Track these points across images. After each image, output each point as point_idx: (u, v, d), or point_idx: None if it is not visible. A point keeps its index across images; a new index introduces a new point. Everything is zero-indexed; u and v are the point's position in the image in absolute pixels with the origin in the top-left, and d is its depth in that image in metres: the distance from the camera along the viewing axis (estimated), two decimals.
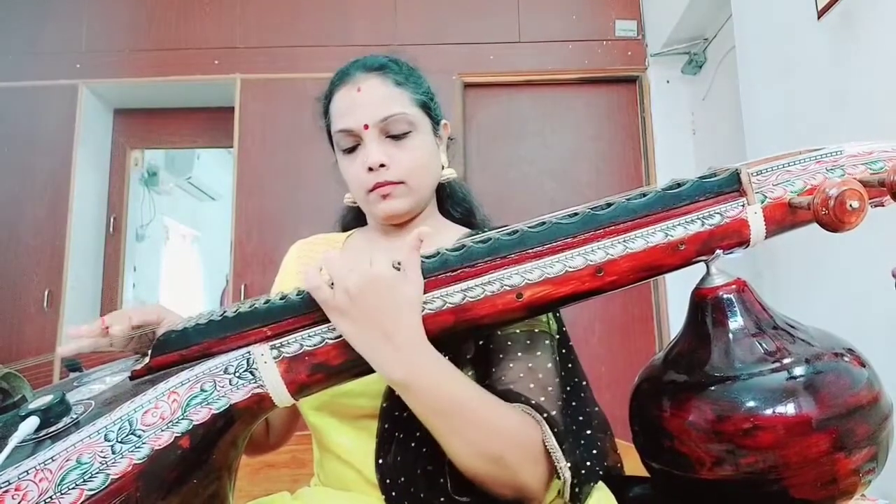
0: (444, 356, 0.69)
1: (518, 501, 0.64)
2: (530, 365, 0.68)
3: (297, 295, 0.61)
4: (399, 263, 0.59)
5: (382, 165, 0.80)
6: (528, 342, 0.70)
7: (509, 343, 0.70)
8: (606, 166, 3.00)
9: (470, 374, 0.70)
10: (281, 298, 0.61)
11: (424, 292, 0.59)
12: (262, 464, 0.92)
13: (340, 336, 0.59)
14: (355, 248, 0.92)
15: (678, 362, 0.60)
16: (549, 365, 0.70)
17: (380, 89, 0.82)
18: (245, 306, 0.62)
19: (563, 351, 0.74)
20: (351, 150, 0.83)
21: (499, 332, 0.70)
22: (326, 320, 0.59)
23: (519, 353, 0.69)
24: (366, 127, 0.80)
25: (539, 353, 0.70)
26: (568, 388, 0.73)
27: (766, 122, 1.93)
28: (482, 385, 0.67)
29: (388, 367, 0.58)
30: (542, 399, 0.66)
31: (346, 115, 0.82)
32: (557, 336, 0.74)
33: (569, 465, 0.63)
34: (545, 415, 0.64)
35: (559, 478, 0.63)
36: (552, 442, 0.62)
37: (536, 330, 0.71)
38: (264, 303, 0.61)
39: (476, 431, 0.60)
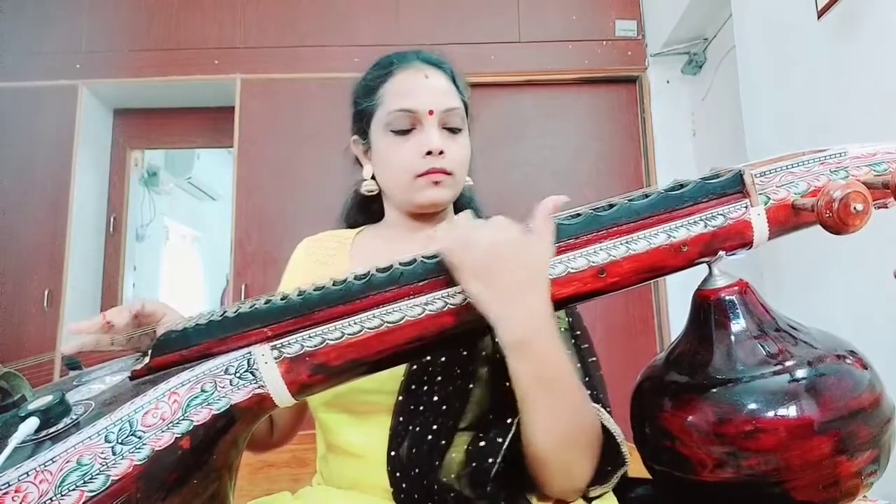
0: (461, 352, 0.69)
1: (535, 496, 0.65)
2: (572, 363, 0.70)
3: (298, 295, 0.61)
4: (531, 227, 0.59)
5: (442, 153, 0.82)
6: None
7: None
8: (606, 166, 3.00)
9: (486, 371, 0.71)
10: (282, 299, 0.61)
11: (427, 293, 0.59)
12: (262, 463, 0.92)
13: (342, 337, 0.58)
14: (367, 245, 0.92)
15: (680, 363, 0.60)
16: (578, 364, 0.72)
17: (444, 82, 0.86)
18: (245, 306, 0.62)
19: (585, 346, 0.76)
20: (404, 132, 0.84)
21: None
22: (327, 321, 0.59)
23: None
24: (430, 112, 0.82)
25: (569, 351, 0.71)
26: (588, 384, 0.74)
27: (766, 122, 1.93)
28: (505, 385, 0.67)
29: (514, 327, 0.57)
30: (590, 392, 0.68)
31: (411, 97, 0.83)
32: (577, 332, 0.75)
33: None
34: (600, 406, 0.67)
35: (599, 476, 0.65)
36: (615, 426, 0.65)
37: (562, 328, 0.72)
38: (265, 303, 0.61)
39: (566, 408, 0.61)
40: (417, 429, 0.70)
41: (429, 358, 0.72)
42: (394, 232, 0.91)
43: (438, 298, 0.58)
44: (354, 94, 0.91)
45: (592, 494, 0.67)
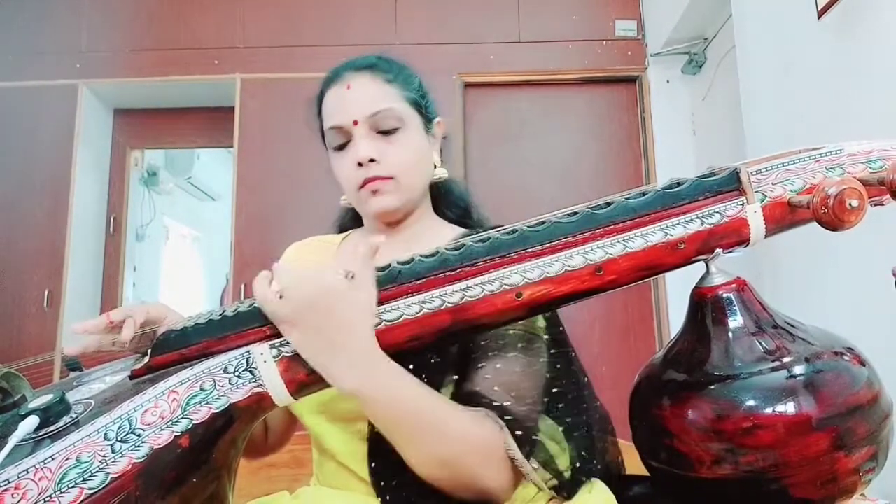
0: (431, 360, 0.69)
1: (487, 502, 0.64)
2: (498, 366, 0.68)
3: None
4: (351, 274, 0.59)
5: (372, 160, 0.80)
6: (502, 342, 0.69)
7: (483, 343, 0.70)
8: (606, 166, 3.00)
9: (454, 377, 0.70)
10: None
11: (424, 291, 0.59)
12: (261, 463, 0.92)
13: None
14: (349, 251, 0.92)
15: (678, 361, 0.60)
16: (522, 365, 0.69)
17: (369, 86, 0.82)
18: (245, 306, 0.62)
19: (555, 350, 0.73)
20: (342, 147, 0.83)
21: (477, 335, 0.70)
22: None
23: (489, 354, 0.69)
24: (355, 123, 0.80)
25: (512, 353, 0.69)
26: (560, 387, 0.72)
27: (766, 122, 1.93)
28: (457, 389, 0.68)
29: (340, 379, 0.58)
30: (507, 402, 0.66)
31: (336, 113, 0.82)
32: (547, 335, 0.73)
33: (536, 464, 0.64)
34: (507, 417, 0.64)
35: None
36: (512, 445, 0.63)
37: (511, 331, 0.70)
38: None
39: (431, 438, 0.61)
40: None
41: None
42: (374, 234, 0.90)
43: (436, 297, 0.59)
44: (314, 115, 0.90)
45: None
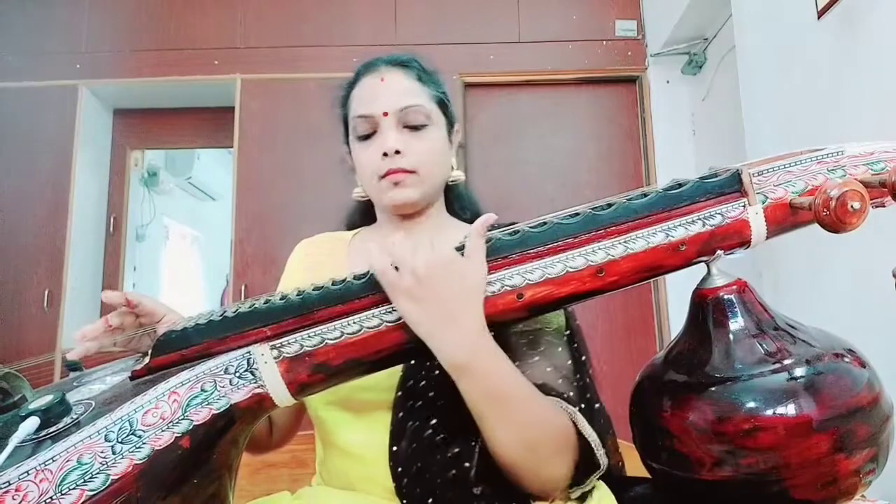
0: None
1: (530, 494, 0.65)
2: (553, 360, 0.71)
3: (298, 295, 0.61)
4: (462, 247, 0.60)
5: (398, 152, 0.82)
6: (548, 337, 0.72)
7: (530, 338, 0.72)
8: (606, 166, 3.00)
9: None
10: (281, 298, 0.61)
11: None
12: (262, 463, 0.92)
13: (341, 337, 0.59)
14: (363, 247, 0.93)
15: (679, 362, 0.60)
16: (569, 362, 0.72)
17: (402, 81, 0.85)
18: (245, 306, 0.62)
19: (576, 345, 0.75)
20: (367, 137, 0.84)
21: (514, 334, 0.71)
22: (326, 321, 0.59)
23: (539, 349, 0.71)
24: (385, 114, 0.82)
25: (559, 349, 0.72)
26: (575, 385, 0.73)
27: (766, 122, 1.93)
28: None
29: (451, 350, 0.58)
30: (571, 393, 0.68)
31: (367, 102, 0.84)
32: (568, 332, 0.75)
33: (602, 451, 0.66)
34: (577, 407, 0.67)
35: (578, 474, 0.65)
36: (587, 427, 0.65)
37: (549, 329, 0.73)
38: (264, 303, 0.61)
39: (521, 419, 0.62)
40: (416, 423, 0.70)
41: (419, 362, 0.73)
42: (385, 233, 0.91)
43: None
44: (339, 104, 0.92)
45: (573, 496, 0.68)
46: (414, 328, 0.58)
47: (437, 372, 0.70)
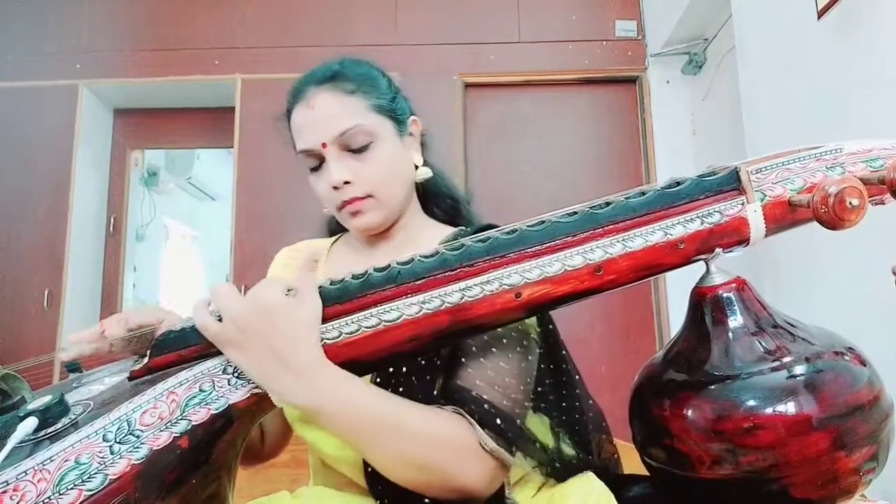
0: (421, 361, 0.69)
1: (467, 501, 0.63)
2: (482, 360, 0.67)
3: None
4: (293, 290, 0.58)
5: (347, 182, 0.79)
6: (487, 339, 0.68)
7: (469, 341, 0.68)
8: (606, 166, 3.00)
9: (440, 380, 0.69)
10: None
11: (423, 292, 0.59)
12: (259, 465, 0.92)
13: (339, 336, 0.58)
14: (342, 253, 0.92)
15: (678, 361, 0.60)
16: (504, 362, 0.68)
17: (331, 103, 0.79)
18: None
19: (546, 345, 0.73)
20: (317, 168, 0.82)
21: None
22: (324, 320, 0.59)
23: (474, 350, 0.68)
24: (324, 146, 0.78)
25: (497, 349, 0.68)
26: (550, 380, 0.72)
27: (766, 122, 1.93)
28: (444, 385, 0.67)
29: (290, 395, 0.57)
30: (488, 395, 0.64)
31: (304, 136, 0.80)
32: (539, 329, 0.73)
33: (521, 455, 0.63)
34: (486, 406, 0.63)
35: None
36: (485, 438, 0.61)
37: (499, 329, 0.69)
38: None
39: (394, 442, 0.59)
40: None
41: (391, 368, 0.71)
42: (358, 244, 0.90)
43: (436, 297, 0.58)
44: (286, 130, 0.88)
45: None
46: (249, 377, 0.57)
47: (401, 388, 0.69)
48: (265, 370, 0.57)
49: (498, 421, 0.63)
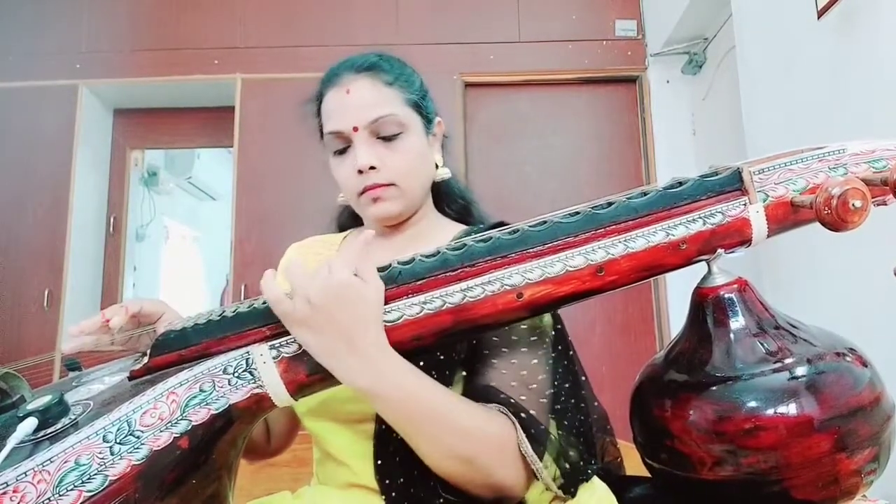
0: (439, 356, 0.69)
1: (500, 500, 0.64)
2: (513, 361, 0.68)
3: None
4: (386, 267, 0.59)
5: (373, 168, 0.79)
6: (515, 338, 0.69)
7: (495, 339, 0.69)
8: (606, 166, 2.99)
9: (462, 375, 0.70)
10: None
11: (425, 292, 0.59)
12: (262, 463, 0.92)
13: None
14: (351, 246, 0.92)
15: (679, 362, 0.60)
16: (535, 361, 0.69)
17: (369, 91, 0.80)
18: (244, 306, 0.62)
19: (560, 347, 0.73)
20: (342, 152, 0.82)
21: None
22: None
23: (502, 350, 0.68)
24: (355, 129, 0.79)
25: (525, 349, 0.69)
26: (561, 385, 0.72)
27: (766, 122, 1.93)
28: (469, 384, 0.67)
29: (353, 376, 0.57)
30: (523, 397, 0.66)
31: (335, 118, 0.81)
32: (553, 332, 0.73)
33: (547, 464, 0.63)
34: (522, 414, 0.64)
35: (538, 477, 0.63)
36: (525, 443, 0.62)
37: (523, 326, 0.70)
38: (263, 303, 0.61)
39: (445, 435, 0.60)
40: (399, 436, 0.68)
41: None
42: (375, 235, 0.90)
43: (437, 297, 0.58)
44: (313, 113, 0.89)
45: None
46: (315, 358, 0.57)
47: (433, 373, 0.70)
48: (332, 350, 0.57)
49: (531, 427, 0.64)
